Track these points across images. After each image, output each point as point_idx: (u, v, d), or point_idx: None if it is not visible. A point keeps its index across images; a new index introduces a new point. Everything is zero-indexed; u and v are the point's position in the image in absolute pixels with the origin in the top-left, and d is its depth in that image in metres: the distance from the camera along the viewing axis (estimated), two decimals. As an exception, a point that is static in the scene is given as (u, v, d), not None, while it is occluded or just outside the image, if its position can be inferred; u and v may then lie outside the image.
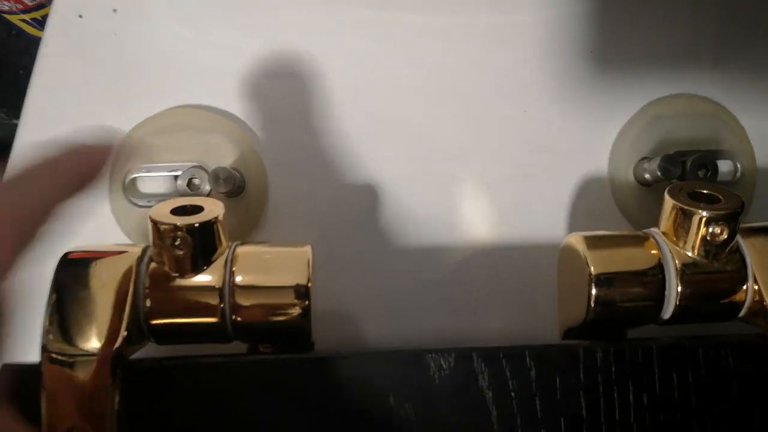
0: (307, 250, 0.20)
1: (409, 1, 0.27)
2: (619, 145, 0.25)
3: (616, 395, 0.19)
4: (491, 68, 0.26)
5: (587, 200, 0.25)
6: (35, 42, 0.50)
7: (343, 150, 0.25)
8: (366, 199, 0.25)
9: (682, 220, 0.19)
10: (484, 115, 0.26)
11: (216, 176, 0.23)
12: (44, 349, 0.18)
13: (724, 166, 0.25)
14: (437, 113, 0.26)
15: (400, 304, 0.24)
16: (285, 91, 0.26)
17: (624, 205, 0.25)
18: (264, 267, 0.19)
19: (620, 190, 0.25)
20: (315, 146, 0.26)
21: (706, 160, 0.25)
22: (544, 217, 0.25)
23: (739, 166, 0.25)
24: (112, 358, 0.18)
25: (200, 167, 0.24)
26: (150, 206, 0.24)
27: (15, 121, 0.47)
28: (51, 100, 0.26)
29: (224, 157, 0.24)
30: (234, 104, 0.25)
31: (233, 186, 0.23)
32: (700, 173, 0.25)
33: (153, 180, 0.25)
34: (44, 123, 0.26)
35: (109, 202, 0.24)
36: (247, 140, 0.25)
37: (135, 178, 0.24)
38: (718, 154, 0.25)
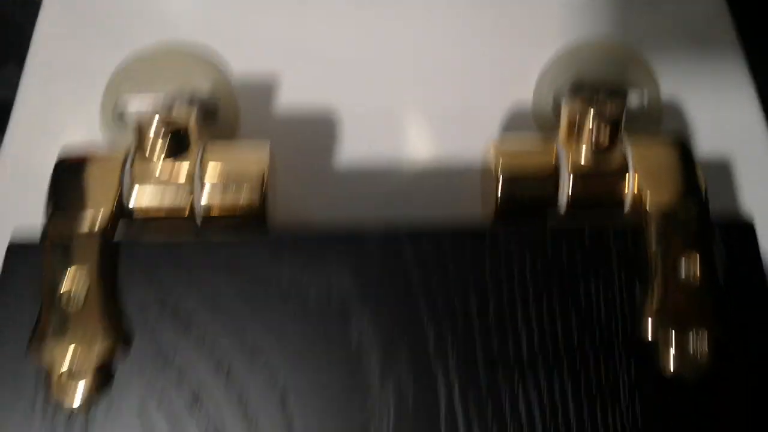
0: (267, 143, 0.24)
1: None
2: (541, 79, 0.30)
3: (515, 265, 0.23)
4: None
5: (514, 128, 0.30)
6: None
7: (304, 81, 0.30)
8: (324, 121, 0.29)
9: (575, 121, 0.24)
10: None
11: (192, 98, 0.27)
12: (45, 228, 0.22)
13: (632, 99, 0.30)
14: (375, 45, 0.30)
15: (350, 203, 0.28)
16: (256, 27, 0.30)
17: (544, 129, 0.29)
18: (229, 158, 0.24)
19: (541, 119, 0.29)
20: (284, 78, 0.30)
21: (616, 93, 0.29)
22: (474, 141, 0.29)
23: (645, 98, 0.29)
24: (101, 236, 0.22)
25: (179, 94, 0.28)
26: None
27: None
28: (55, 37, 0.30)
29: (200, 86, 0.28)
30: (209, 39, 0.30)
31: (207, 107, 0.27)
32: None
33: (137, 105, 0.29)
34: (49, 63, 0.30)
35: (101, 130, 0.29)
36: (222, 72, 0.29)
37: (122, 106, 0.28)
38: (627, 88, 0.30)
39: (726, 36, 0.30)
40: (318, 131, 0.29)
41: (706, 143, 0.29)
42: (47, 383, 0.21)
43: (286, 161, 0.27)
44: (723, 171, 0.29)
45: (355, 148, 0.29)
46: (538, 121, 0.29)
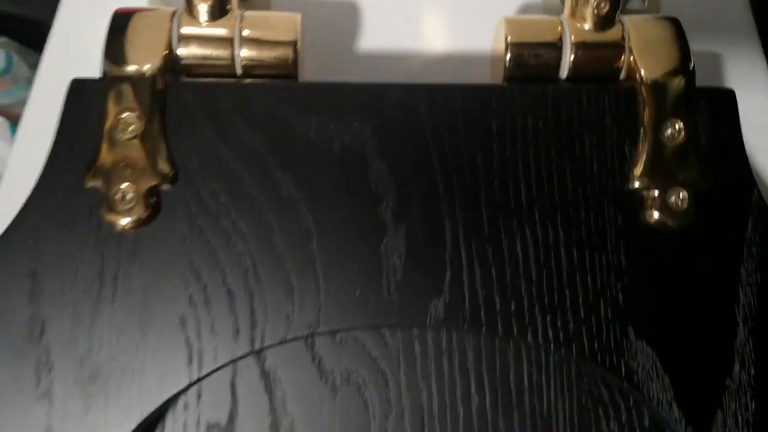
0: (298, 16, 0.27)
1: None
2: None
3: (518, 120, 0.25)
4: None
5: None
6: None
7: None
8: (350, 9, 0.32)
9: (577, 4, 0.26)
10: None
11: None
12: (103, 71, 0.25)
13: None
14: None
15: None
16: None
17: (552, 23, 0.32)
18: (264, 24, 0.26)
19: (551, 10, 0.32)
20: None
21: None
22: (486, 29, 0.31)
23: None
24: (152, 80, 0.25)
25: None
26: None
27: None
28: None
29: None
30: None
31: (244, -15, 0.30)
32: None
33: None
34: None
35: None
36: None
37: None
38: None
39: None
40: (341, 19, 0.32)
41: (699, 41, 0.31)
42: (101, 207, 0.24)
43: (312, 45, 0.30)
44: (713, 64, 0.31)
45: (376, 32, 0.31)
46: (548, 10, 0.32)
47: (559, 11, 0.31)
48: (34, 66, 0.65)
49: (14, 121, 0.63)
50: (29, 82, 0.64)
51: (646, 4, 0.32)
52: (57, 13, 0.31)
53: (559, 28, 0.26)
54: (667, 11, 0.32)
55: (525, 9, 0.32)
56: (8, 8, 0.59)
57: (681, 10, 0.32)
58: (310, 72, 0.29)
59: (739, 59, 0.31)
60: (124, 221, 0.24)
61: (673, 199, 0.25)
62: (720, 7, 0.32)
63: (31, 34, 0.63)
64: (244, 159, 0.25)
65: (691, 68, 0.26)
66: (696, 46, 0.31)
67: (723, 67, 0.31)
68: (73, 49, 0.31)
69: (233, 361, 0.24)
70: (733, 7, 0.32)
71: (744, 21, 0.32)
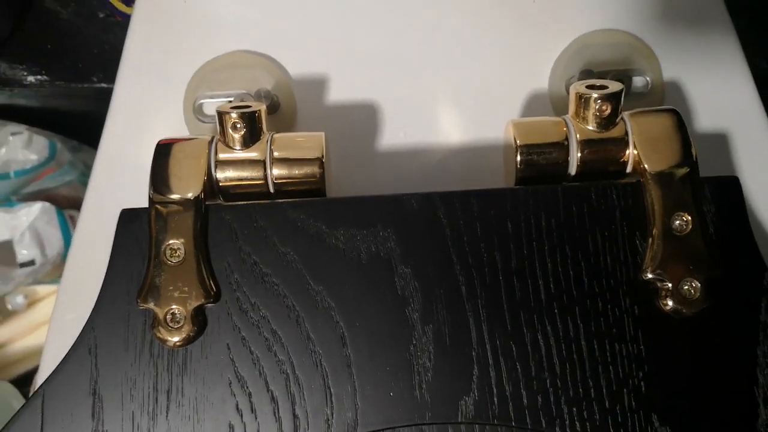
0: (322, 134, 0.29)
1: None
2: (556, 67, 0.34)
3: (532, 220, 0.27)
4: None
5: (533, 112, 0.34)
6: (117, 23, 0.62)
7: (354, 80, 0.35)
8: (368, 112, 0.34)
9: (581, 102, 0.28)
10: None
11: (258, 94, 0.32)
12: (150, 199, 0.28)
13: (637, 82, 0.33)
14: (409, 41, 0.35)
15: (392, 181, 0.33)
16: (310, 36, 0.35)
17: (560, 113, 0.33)
18: (292, 145, 0.29)
19: (557, 102, 0.33)
20: (335, 78, 0.35)
21: (622, 75, 0.33)
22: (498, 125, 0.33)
23: (649, 80, 0.33)
24: (194, 203, 0.27)
25: (247, 93, 0.33)
26: (212, 123, 0.34)
27: (104, 85, 0.58)
28: (143, 51, 0.36)
29: (264, 86, 0.34)
30: (272, 48, 0.35)
31: (270, 102, 0.32)
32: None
33: (213, 104, 0.34)
34: (139, 72, 0.36)
35: (184, 122, 0.34)
36: (281, 74, 0.34)
37: (201, 103, 0.34)
38: (632, 72, 0.33)
39: (720, 22, 0.34)
40: (361, 119, 0.34)
41: (703, 119, 0.33)
42: (153, 325, 0.26)
43: (335, 147, 0.32)
44: (719, 144, 0.32)
45: (393, 133, 0.34)
46: (555, 104, 0.33)
47: (565, 103, 0.33)
48: (74, 151, 0.70)
49: (58, 202, 0.67)
50: (71, 166, 0.69)
51: (649, 86, 0.33)
52: (101, 141, 0.34)
53: (565, 128, 0.28)
54: (670, 91, 0.33)
55: (533, 99, 0.34)
56: (49, 103, 0.64)
57: (683, 87, 0.34)
58: (334, 171, 0.31)
59: (745, 139, 0.32)
60: (175, 339, 0.26)
61: (686, 288, 0.26)
62: (724, 86, 0.33)
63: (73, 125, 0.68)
64: (281, 273, 0.27)
65: (694, 159, 0.27)
66: (700, 124, 0.33)
67: (729, 144, 0.33)
68: (118, 174, 0.34)
69: None
70: (738, 87, 0.33)
71: (748, 99, 0.33)
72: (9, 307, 0.66)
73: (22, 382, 0.66)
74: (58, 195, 0.69)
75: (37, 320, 0.67)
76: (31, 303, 0.67)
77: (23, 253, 0.62)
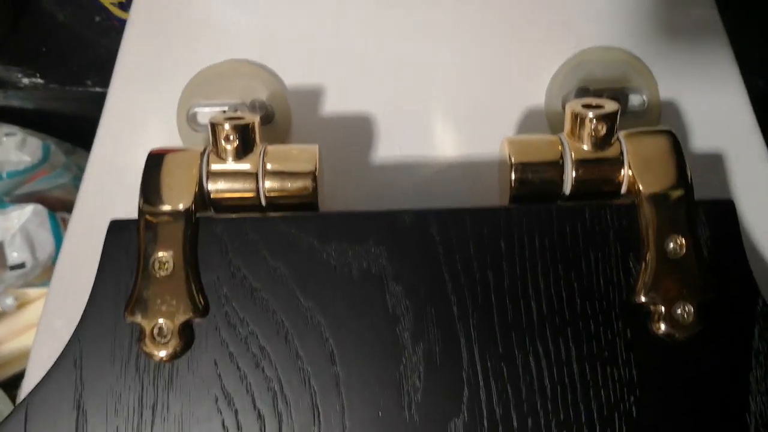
0: (316, 147, 0.29)
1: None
2: (552, 84, 0.34)
3: (526, 240, 0.27)
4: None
5: (529, 128, 0.34)
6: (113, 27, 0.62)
7: (350, 92, 0.34)
8: (363, 124, 0.34)
9: (576, 121, 0.28)
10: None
11: (253, 105, 0.32)
12: (140, 210, 0.27)
13: (634, 100, 0.33)
14: (407, 55, 0.35)
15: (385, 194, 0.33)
16: (306, 47, 0.35)
17: (555, 130, 0.33)
18: (285, 158, 0.28)
19: (553, 118, 0.33)
20: (331, 90, 0.34)
21: (619, 93, 0.33)
22: (494, 140, 0.33)
23: (645, 99, 0.33)
24: (185, 215, 0.27)
25: (242, 103, 0.33)
26: (205, 133, 0.34)
27: (98, 89, 0.58)
28: (138, 56, 0.35)
29: (259, 96, 0.33)
30: (268, 58, 0.35)
31: (265, 113, 0.32)
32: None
33: (207, 113, 0.34)
34: (133, 77, 0.36)
35: (177, 130, 0.34)
36: (277, 84, 0.34)
37: (195, 112, 0.33)
38: (629, 90, 0.33)
39: (717, 40, 0.34)
40: (356, 131, 0.34)
41: (699, 138, 0.33)
42: (140, 339, 0.26)
43: (329, 158, 0.32)
44: (715, 163, 0.32)
45: (388, 146, 0.33)
46: (551, 121, 0.33)
47: (561, 120, 0.33)
48: (67, 153, 0.69)
49: (51, 205, 0.67)
50: (65, 168, 0.68)
51: (645, 105, 0.33)
52: (93, 146, 0.33)
53: (560, 147, 0.28)
54: (667, 110, 0.33)
55: (529, 115, 0.34)
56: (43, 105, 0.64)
57: (679, 106, 0.33)
58: (328, 183, 0.31)
59: (740, 158, 0.32)
60: (162, 353, 0.26)
61: (678, 312, 0.26)
62: (721, 105, 0.33)
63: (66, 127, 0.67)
64: (270, 288, 0.27)
65: (689, 181, 0.27)
66: (696, 143, 0.33)
67: (725, 164, 0.32)
68: (109, 180, 0.33)
69: None
70: (735, 106, 0.33)
71: (745, 118, 0.33)
72: (-1, 308, 0.66)
73: (11, 385, 0.66)
74: (51, 197, 0.68)
75: (27, 322, 0.67)
76: (21, 305, 0.67)
77: (14, 256, 0.62)
